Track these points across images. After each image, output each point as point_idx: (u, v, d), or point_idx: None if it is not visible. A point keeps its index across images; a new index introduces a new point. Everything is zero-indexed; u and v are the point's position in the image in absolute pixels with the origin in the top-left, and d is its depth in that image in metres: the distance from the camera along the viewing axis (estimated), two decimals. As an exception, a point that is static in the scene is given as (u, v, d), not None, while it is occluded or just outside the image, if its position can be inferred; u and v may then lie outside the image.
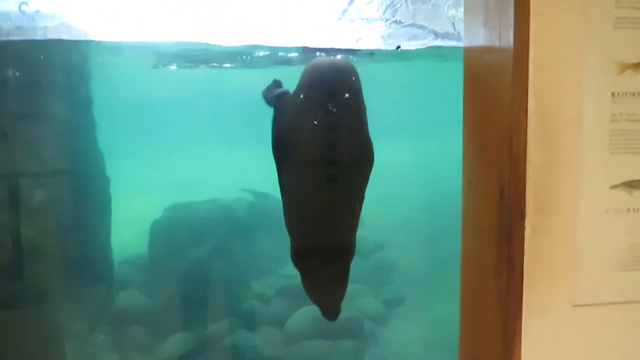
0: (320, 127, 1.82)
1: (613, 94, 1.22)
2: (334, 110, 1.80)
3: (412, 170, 7.69)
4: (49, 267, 4.53)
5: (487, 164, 1.31)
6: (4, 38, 3.65)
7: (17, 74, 4.39)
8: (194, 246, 5.64)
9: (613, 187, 1.25)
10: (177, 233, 5.76)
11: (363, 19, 3.97)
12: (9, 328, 4.12)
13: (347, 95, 1.82)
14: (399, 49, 3.87)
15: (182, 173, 7.18)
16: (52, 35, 3.63)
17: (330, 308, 2.14)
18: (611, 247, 1.27)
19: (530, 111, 1.19)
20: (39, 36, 3.61)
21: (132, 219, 5.82)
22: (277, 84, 2.17)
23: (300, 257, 2.09)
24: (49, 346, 4.41)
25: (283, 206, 2.10)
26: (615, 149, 1.23)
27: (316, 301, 2.15)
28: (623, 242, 1.27)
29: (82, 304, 5.14)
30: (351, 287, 6.74)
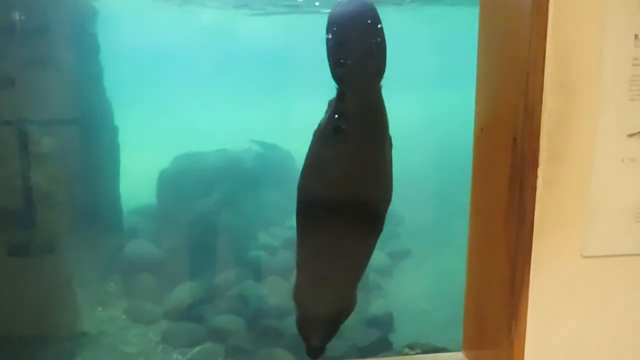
0: None
1: (636, 36, 1.16)
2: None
3: (420, 121, 7.60)
4: (59, 215, 4.57)
5: (500, 110, 1.27)
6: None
7: (24, 21, 4.32)
8: (201, 196, 5.66)
9: (631, 135, 1.20)
10: (185, 183, 5.78)
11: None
12: (21, 275, 4.20)
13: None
14: None
15: (191, 122, 7.15)
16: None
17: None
18: (626, 197, 1.23)
19: (548, 55, 1.14)
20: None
21: (140, 168, 5.83)
22: None
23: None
24: (61, 293, 4.49)
25: None
26: (635, 95, 1.18)
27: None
28: (638, 193, 1.23)
29: (92, 252, 5.21)
30: (358, 240, 6.69)
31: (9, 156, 4.27)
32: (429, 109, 7.92)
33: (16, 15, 4.30)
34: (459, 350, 1.62)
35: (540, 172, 1.18)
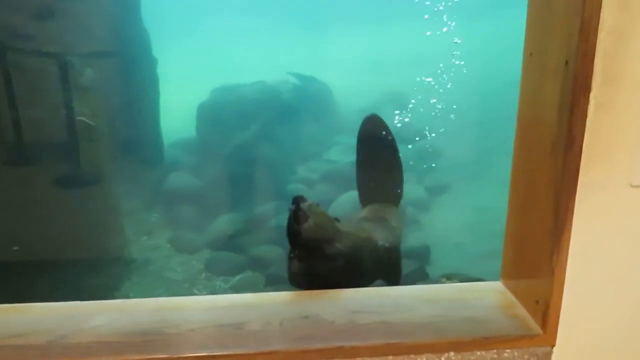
0: None
1: None
2: None
3: (464, 52, 7.35)
4: (103, 148, 4.66)
5: (552, 32, 1.20)
6: None
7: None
8: (240, 129, 5.68)
9: (693, 59, 1.13)
10: (224, 115, 5.79)
11: None
12: (69, 206, 4.34)
13: None
14: None
15: (228, 54, 7.09)
16: None
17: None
18: (682, 124, 1.17)
19: (608, -29, 1.07)
20: None
21: (179, 100, 5.86)
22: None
23: None
24: (107, 222, 4.65)
25: None
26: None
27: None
28: (696, 120, 1.17)
29: (136, 183, 5.34)
30: (394, 172, 6.60)
31: (52, 89, 4.33)
32: (475, 39, 7.63)
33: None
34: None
35: (592, 97, 1.13)
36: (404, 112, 7.06)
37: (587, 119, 1.15)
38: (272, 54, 6.96)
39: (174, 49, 5.55)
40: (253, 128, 5.57)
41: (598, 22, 1.09)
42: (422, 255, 4.94)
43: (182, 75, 6.34)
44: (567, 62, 1.14)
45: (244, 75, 6.27)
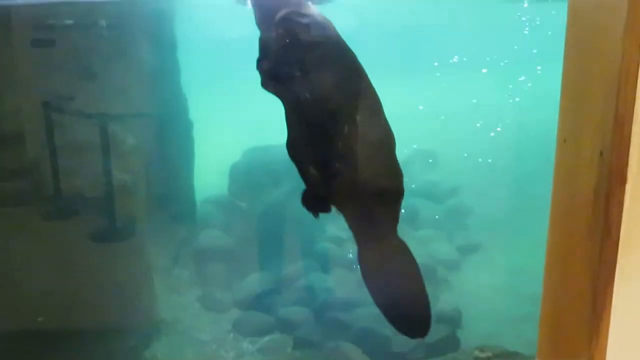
0: None
1: None
2: None
3: (494, 108, 7.35)
4: (137, 204, 4.76)
5: (587, 121, 1.22)
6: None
7: (104, 18, 4.49)
8: (271, 188, 5.73)
9: None
10: (255, 175, 5.87)
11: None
12: (101, 260, 4.41)
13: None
14: None
15: (261, 115, 7.24)
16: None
17: None
18: None
19: (642, 67, 1.08)
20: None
21: (213, 160, 5.97)
22: None
23: None
24: (138, 278, 4.69)
25: None
26: None
27: None
28: None
29: (167, 239, 5.40)
30: (423, 232, 6.69)
31: (91, 146, 4.47)
32: (504, 96, 7.66)
33: (95, 13, 4.47)
34: (532, 356, 1.58)
35: (628, 188, 1.13)
36: (434, 167, 7.05)
37: (624, 208, 1.15)
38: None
39: (210, 111, 5.71)
40: (283, 188, 5.62)
41: (633, 114, 1.10)
42: (454, 319, 4.83)
43: (216, 135, 6.49)
44: (601, 153, 1.15)
45: (277, 136, 6.38)
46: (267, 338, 4.72)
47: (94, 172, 4.50)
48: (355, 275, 5.18)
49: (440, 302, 5.05)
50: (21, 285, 4.26)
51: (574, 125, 1.28)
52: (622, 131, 1.10)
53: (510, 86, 7.59)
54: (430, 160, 7.12)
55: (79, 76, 4.41)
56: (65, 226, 4.38)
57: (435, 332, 4.52)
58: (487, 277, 5.64)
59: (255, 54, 2.21)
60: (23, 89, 4.25)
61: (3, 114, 4.26)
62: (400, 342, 4.32)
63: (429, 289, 2.34)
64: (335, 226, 5.89)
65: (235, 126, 6.98)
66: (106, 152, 4.50)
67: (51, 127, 4.31)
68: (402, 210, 2.26)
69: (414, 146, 7.15)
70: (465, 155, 6.97)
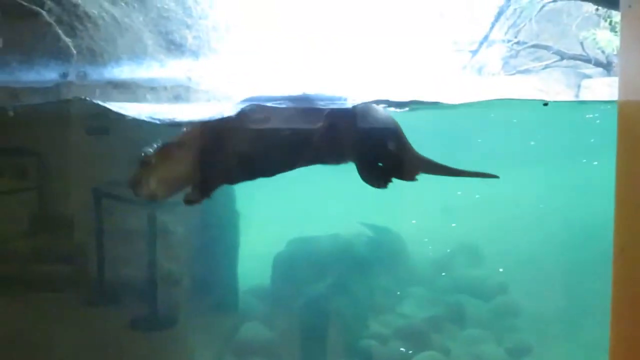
0: None
1: None
2: None
3: (542, 202, 7.23)
4: (179, 291, 4.77)
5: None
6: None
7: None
8: (314, 280, 5.71)
9: None
10: (299, 266, 5.87)
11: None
12: (144, 348, 4.39)
13: None
14: (547, 105, 4.31)
15: (306, 206, 7.33)
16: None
17: None
18: None
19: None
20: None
21: (257, 251, 6.01)
22: None
23: None
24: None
25: None
26: None
27: None
28: None
29: (208, 330, 5.36)
30: (471, 332, 6.47)
31: (137, 233, 4.56)
32: (551, 189, 7.56)
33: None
34: None
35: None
36: (478, 263, 6.89)
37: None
38: (348, 205, 7.14)
39: (256, 202, 5.82)
40: (327, 280, 5.59)
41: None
42: None
43: (261, 225, 6.58)
44: (662, 266, 1.12)
45: (321, 227, 6.42)
46: None
47: (140, 259, 4.57)
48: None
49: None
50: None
51: (630, 235, 1.25)
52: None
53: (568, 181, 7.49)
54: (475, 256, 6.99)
55: (130, 163, 4.58)
56: (107, 313, 4.40)
57: None
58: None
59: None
60: (75, 174, 4.41)
61: (54, 198, 4.41)
62: None
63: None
64: (378, 322, 5.77)
65: (281, 216, 7.08)
66: (153, 240, 4.58)
67: (100, 213, 4.43)
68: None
69: (458, 238, 7.06)
70: (513, 251, 6.82)
